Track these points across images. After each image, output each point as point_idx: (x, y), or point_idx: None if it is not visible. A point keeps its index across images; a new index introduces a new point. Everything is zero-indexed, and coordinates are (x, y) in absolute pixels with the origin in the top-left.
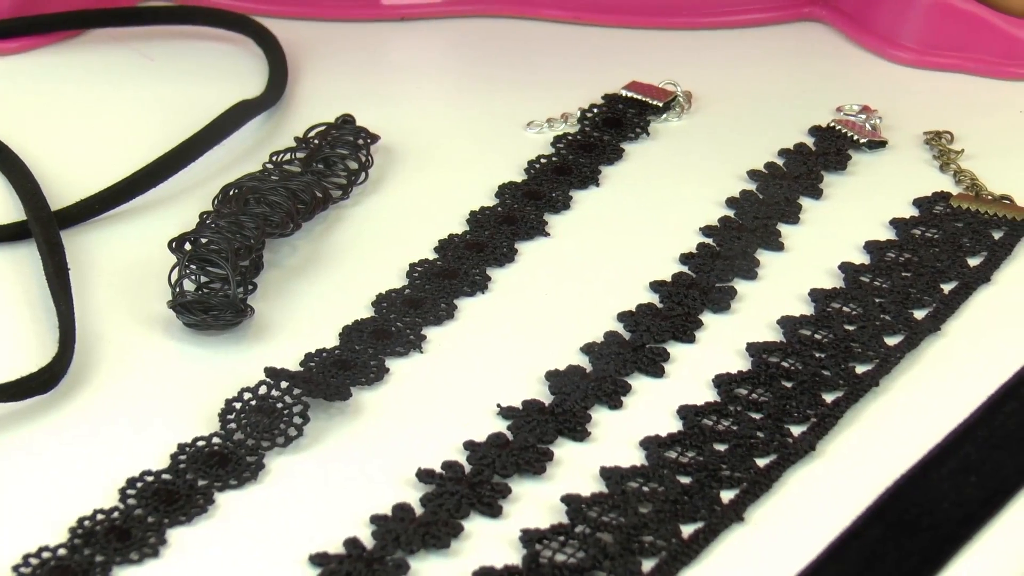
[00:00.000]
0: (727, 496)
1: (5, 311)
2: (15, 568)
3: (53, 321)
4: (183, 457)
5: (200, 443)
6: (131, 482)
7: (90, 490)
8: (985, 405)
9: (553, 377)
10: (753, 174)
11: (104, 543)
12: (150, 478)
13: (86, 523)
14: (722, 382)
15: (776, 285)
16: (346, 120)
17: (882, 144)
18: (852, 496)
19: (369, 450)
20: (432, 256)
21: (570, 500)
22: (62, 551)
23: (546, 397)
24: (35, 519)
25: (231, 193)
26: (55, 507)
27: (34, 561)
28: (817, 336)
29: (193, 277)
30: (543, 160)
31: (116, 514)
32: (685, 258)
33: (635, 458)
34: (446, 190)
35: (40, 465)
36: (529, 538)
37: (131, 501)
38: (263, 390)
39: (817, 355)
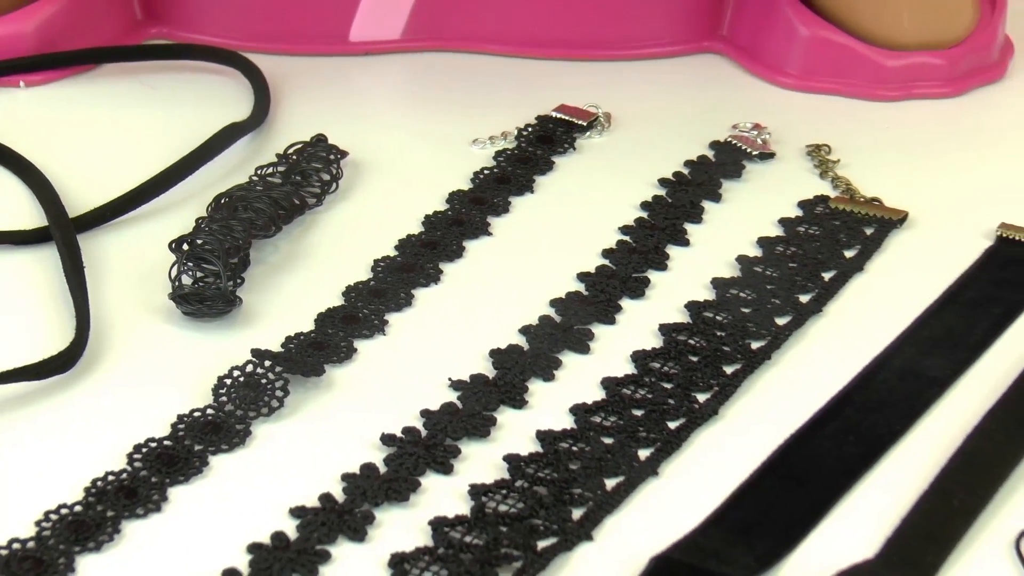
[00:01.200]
0: (644, 454)
1: (30, 303)
2: (37, 523)
3: (70, 311)
4: (182, 426)
5: (196, 414)
6: (137, 448)
7: (102, 455)
8: (861, 375)
9: (496, 354)
10: (663, 181)
11: (114, 500)
12: (153, 444)
13: (99, 483)
14: (638, 357)
15: (683, 275)
16: (319, 139)
17: (771, 155)
18: (749, 453)
19: (340, 418)
20: (393, 253)
21: (511, 459)
22: (78, 507)
23: (490, 371)
24: (54, 480)
25: (222, 201)
26: (72, 470)
27: (54, 516)
28: (718, 318)
29: (190, 273)
30: (486, 171)
31: (124, 475)
32: (606, 253)
33: (565, 422)
34: (404, 197)
35: (59, 434)
36: (476, 492)
37: (137, 464)
38: (250, 368)
39: (718, 333)
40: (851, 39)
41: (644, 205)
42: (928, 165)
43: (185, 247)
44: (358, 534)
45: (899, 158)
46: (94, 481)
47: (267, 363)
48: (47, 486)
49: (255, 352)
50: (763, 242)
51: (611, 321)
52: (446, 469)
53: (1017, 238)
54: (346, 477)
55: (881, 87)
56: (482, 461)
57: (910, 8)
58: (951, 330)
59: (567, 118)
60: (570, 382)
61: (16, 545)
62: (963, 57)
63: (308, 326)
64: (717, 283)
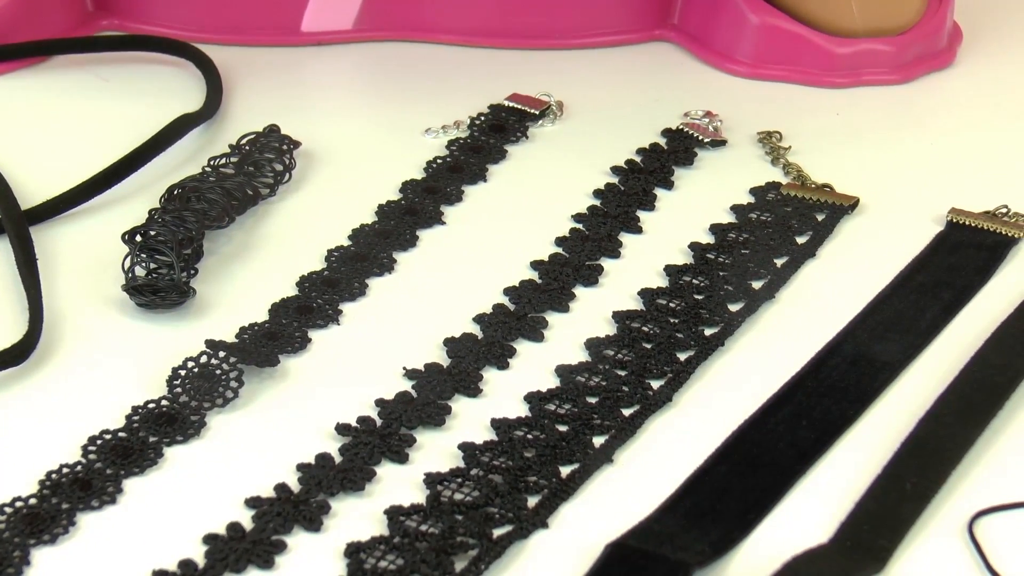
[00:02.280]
0: (598, 441)
1: None
2: None
3: (23, 304)
4: (136, 417)
5: (151, 405)
6: (92, 439)
7: (56, 447)
8: (813, 360)
9: (450, 343)
10: (615, 169)
11: (69, 492)
12: (108, 436)
13: (53, 475)
14: (592, 345)
15: (636, 262)
16: (272, 129)
17: (723, 143)
18: (703, 439)
19: (295, 408)
20: (346, 243)
21: (466, 447)
22: (33, 500)
23: (444, 360)
24: (8, 473)
25: (175, 192)
26: (26, 462)
27: (8, 509)
28: (672, 304)
29: (143, 264)
30: (439, 160)
31: (79, 467)
32: (559, 241)
33: (520, 410)
34: (357, 187)
35: (12, 426)
36: (431, 480)
37: (92, 456)
38: (204, 359)
39: (672, 320)
40: (801, 27)
41: (597, 193)
42: (878, 151)
43: (138, 238)
44: (314, 524)
45: (849, 144)
46: (48, 473)
47: (221, 354)
48: (1, 479)
49: (209, 343)
50: (715, 229)
51: (565, 309)
52: (401, 458)
53: (967, 223)
54: (301, 467)
55: (831, 74)
56: (437, 449)
57: None
58: (902, 315)
59: (519, 107)
60: (524, 370)
61: None
62: (912, 44)
63: (262, 316)
64: (670, 270)
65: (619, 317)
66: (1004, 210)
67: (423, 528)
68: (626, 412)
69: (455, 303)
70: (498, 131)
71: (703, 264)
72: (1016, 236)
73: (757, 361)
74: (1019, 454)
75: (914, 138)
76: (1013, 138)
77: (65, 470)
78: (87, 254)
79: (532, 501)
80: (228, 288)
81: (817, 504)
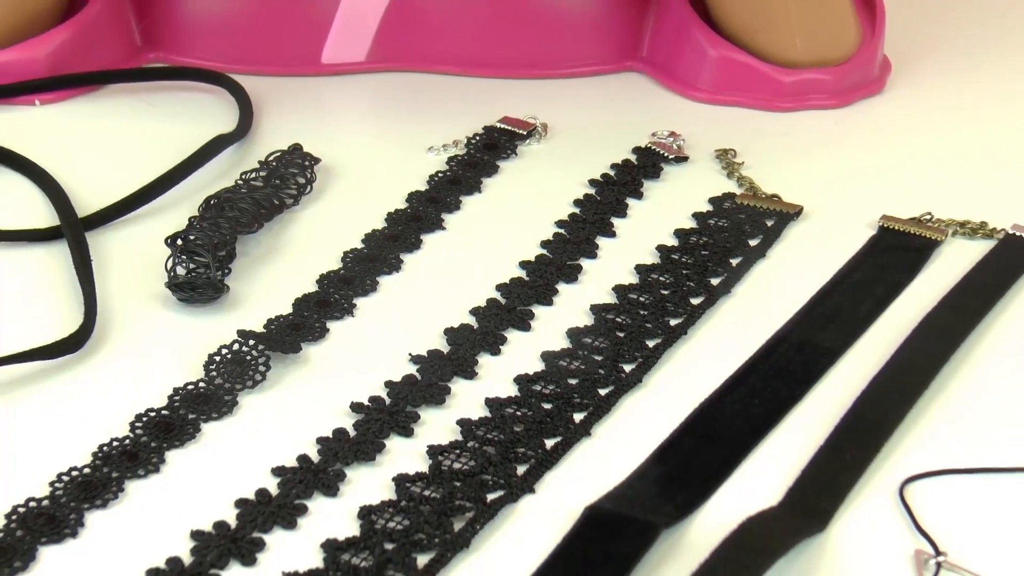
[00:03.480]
0: (578, 417)
1: (44, 292)
2: (51, 484)
3: (79, 299)
4: (177, 397)
5: (190, 386)
6: (138, 416)
7: (107, 423)
8: (764, 347)
9: (449, 332)
10: (592, 182)
11: (119, 463)
12: (152, 413)
13: (104, 448)
14: (572, 334)
15: (611, 262)
16: (296, 147)
17: (685, 159)
18: (669, 416)
19: (315, 389)
20: (360, 245)
21: (463, 423)
22: (87, 469)
23: (445, 347)
24: (66, 446)
25: (211, 202)
26: (81, 436)
27: (65, 478)
28: (641, 299)
29: (183, 264)
30: (440, 174)
31: (127, 441)
32: (544, 243)
33: (511, 390)
34: (369, 197)
35: (69, 405)
36: (434, 451)
37: (139, 431)
38: (236, 346)
39: (642, 312)
40: (752, 59)
41: (576, 202)
42: (820, 166)
43: (179, 242)
44: (331, 490)
45: (795, 160)
46: (100, 446)
47: (251, 342)
48: (59, 451)
49: (240, 332)
50: (679, 233)
51: (549, 303)
52: (407, 432)
53: (896, 228)
54: (320, 440)
55: (778, 100)
56: (438, 425)
57: (802, 32)
58: (841, 308)
59: (510, 128)
60: (514, 356)
61: (32, 503)
62: (848, 74)
63: (286, 309)
64: (640, 269)
65: (596, 309)
66: (928, 216)
67: (426, 493)
68: (602, 392)
69: (454, 297)
70: (491, 149)
71: (669, 264)
72: (939, 239)
73: (716, 348)
74: (942, 428)
75: (850, 154)
76: (935, 154)
77: (115, 443)
78: (135, 256)
79: (521, 469)
80: (257, 285)
81: (768, 472)
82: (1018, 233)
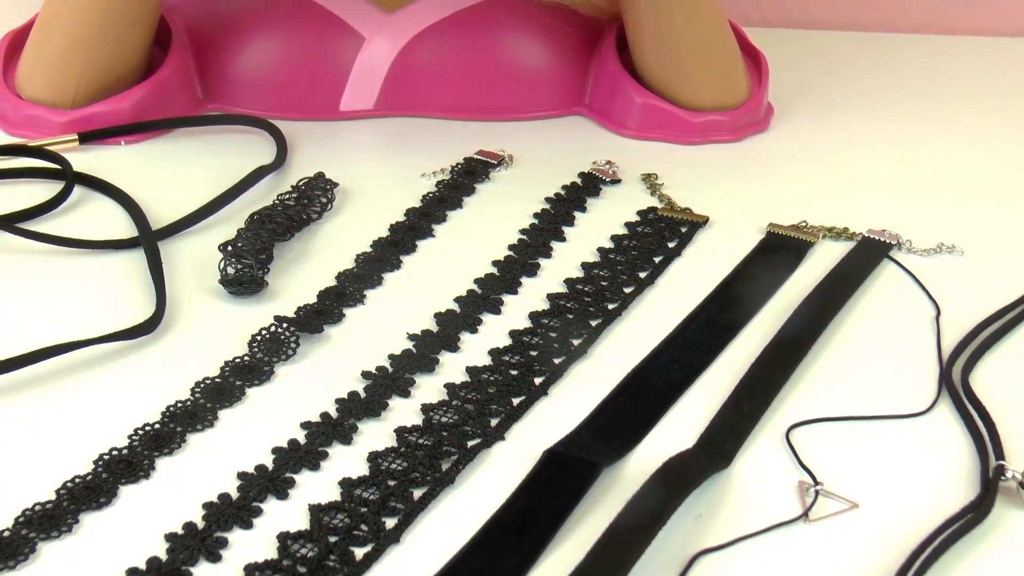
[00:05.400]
0: (538, 380)
1: (125, 289)
2: (129, 436)
3: (152, 293)
4: (227, 368)
5: (237, 360)
6: (197, 384)
7: (173, 389)
8: (680, 325)
9: (438, 316)
10: (547, 199)
11: (182, 419)
12: (208, 381)
13: (171, 409)
14: (533, 316)
15: (562, 261)
16: (320, 175)
17: (619, 181)
18: (608, 379)
19: (334, 362)
20: (369, 249)
21: (449, 387)
22: (158, 425)
23: (435, 327)
24: (141, 406)
25: (255, 217)
26: (152, 401)
27: (140, 432)
28: (586, 289)
29: (232, 265)
30: (431, 194)
31: (188, 403)
32: (511, 247)
33: (486, 360)
34: (376, 212)
35: (143, 376)
36: (426, 409)
37: (197, 395)
38: (273, 328)
39: (586, 299)
40: (669, 104)
41: (535, 215)
42: (721, 186)
43: (229, 248)
44: (346, 439)
45: (702, 182)
46: (167, 407)
47: (284, 324)
48: (135, 411)
49: (277, 317)
50: (614, 238)
51: (515, 292)
52: (405, 394)
53: (780, 232)
54: (338, 400)
55: (689, 136)
56: (430, 388)
57: (706, 84)
58: (739, 294)
59: (484, 159)
60: (488, 334)
61: (115, 452)
62: (741, 116)
63: (312, 299)
64: (584, 265)
65: (551, 297)
66: (804, 224)
67: (420, 441)
68: (556, 361)
69: (441, 289)
70: (470, 175)
71: (606, 261)
72: (812, 241)
73: (643, 325)
74: (817, 386)
75: (744, 177)
76: (809, 176)
77: (179, 405)
78: (195, 259)
79: (494, 422)
80: (290, 281)
81: (685, 422)
82: (871, 236)
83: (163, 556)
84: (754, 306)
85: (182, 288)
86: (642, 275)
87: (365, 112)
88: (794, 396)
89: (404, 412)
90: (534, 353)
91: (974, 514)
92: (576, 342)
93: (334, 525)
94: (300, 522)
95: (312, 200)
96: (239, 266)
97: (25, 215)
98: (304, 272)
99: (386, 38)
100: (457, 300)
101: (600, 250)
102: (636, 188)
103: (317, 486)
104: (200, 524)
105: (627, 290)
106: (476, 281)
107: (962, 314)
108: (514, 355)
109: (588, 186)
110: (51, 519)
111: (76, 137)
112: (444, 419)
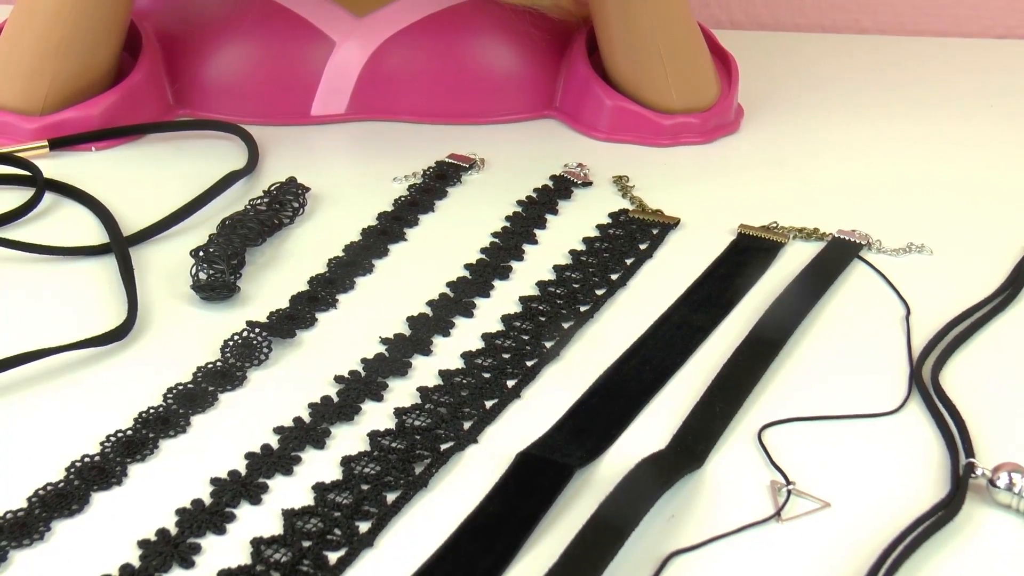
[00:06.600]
0: (511, 383)
1: (97, 295)
2: (101, 443)
3: (123, 299)
4: (200, 374)
5: (209, 365)
6: (169, 390)
7: (145, 395)
8: (652, 326)
9: (410, 319)
10: (519, 202)
11: (154, 426)
12: (180, 387)
13: (143, 414)
14: (506, 319)
15: (534, 263)
16: (291, 179)
17: (590, 184)
18: (581, 380)
19: (307, 366)
20: (341, 253)
21: (422, 390)
22: (130, 431)
23: (407, 331)
24: (113, 413)
25: (226, 222)
26: (125, 405)
27: (112, 439)
28: (558, 291)
29: (204, 270)
30: (402, 198)
31: (161, 408)
32: (483, 250)
33: (458, 364)
34: (348, 216)
35: (114, 382)
36: (399, 412)
37: (170, 400)
38: (245, 333)
39: (558, 301)
40: (639, 107)
41: (507, 218)
42: (692, 188)
43: (201, 253)
44: (319, 444)
45: (673, 184)
46: (140, 413)
47: (257, 329)
48: (107, 417)
49: (249, 322)
50: (586, 240)
51: (487, 295)
52: (378, 398)
53: (750, 233)
54: (311, 405)
55: (660, 138)
56: (403, 392)
57: (676, 86)
58: (710, 295)
59: (456, 162)
60: (461, 337)
61: (86, 459)
62: (711, 118)
63: (285, 304)
64: (556, 268)
65: (523, 300)
66: (775, 224)
67: (393, 445)
68: (529, 363)
69: (413, 292)
70: (441, 178)
71: (578, 264)
72: (783, 242)
73: (615, 327)
74: (789, 386)
75: (714, 179)
76: (779, 177)
77: (152, 410)
78: (167, 264)
79: (467, 425)
80: (262, 286)
81: (657, 423)
82: (841, 236)
83: (136, 563)
84: (726, 307)
85: (154, 294)
86: (614, 277)
87: (336, 116)
88: (766, 396)
89: (377, 416)
90: (507, 356)
91: (944, 512)
92: (548, 344)
93: (308, 530)
94: (274, 527)
95: (284, 205)
96: (211, 271)
97: None
98: (276, 277)
99: (357, 42)
100: (429, 304)
101: (572, 252)
102: (607, 190)
103: (290, 491)
104: (173, 530)
105: (599, 292)
106: (448, 284)
107: (932, 313)
108: (487, 358)
109: (559, 189)
110: (23, 527)
111: (46, 143)
112: (417, 423)
